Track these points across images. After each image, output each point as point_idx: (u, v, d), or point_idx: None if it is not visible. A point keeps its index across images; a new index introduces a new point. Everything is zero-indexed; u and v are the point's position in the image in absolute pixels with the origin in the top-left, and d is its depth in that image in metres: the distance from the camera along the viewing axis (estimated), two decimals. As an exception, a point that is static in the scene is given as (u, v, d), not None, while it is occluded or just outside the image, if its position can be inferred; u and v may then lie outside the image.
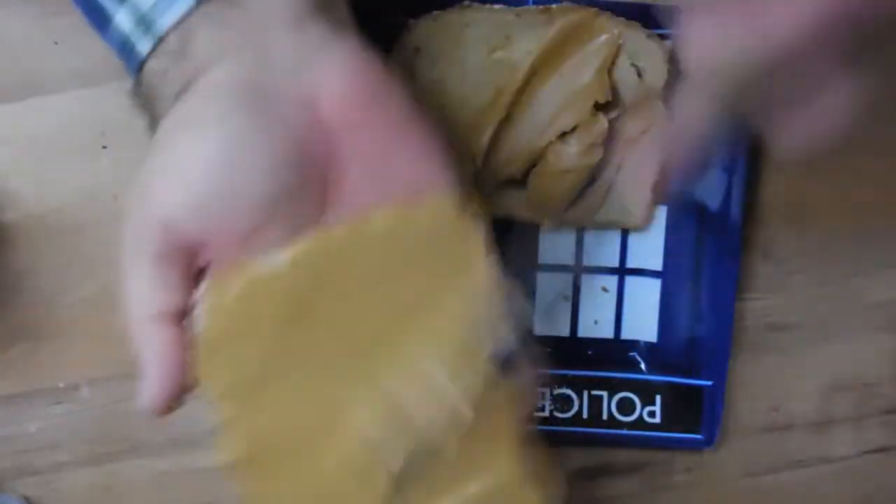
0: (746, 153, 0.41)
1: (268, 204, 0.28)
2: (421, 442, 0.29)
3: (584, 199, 0.41)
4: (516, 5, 0.40)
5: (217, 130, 0.27)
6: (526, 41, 0.40)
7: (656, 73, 0.40)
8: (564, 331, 0.43)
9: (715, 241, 0.42)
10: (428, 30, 0.40)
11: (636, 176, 0.41)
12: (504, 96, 0.40)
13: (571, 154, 0.40)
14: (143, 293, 0.29)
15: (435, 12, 0.40)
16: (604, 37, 0.40)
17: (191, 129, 0.28)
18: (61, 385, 0.45)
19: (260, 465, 0.30)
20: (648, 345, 0.43)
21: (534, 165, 0.41)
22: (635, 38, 0.40)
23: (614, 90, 0.40)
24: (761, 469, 0.44)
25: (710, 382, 0.42)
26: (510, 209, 0.42)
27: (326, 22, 0.28)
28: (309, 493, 0.31)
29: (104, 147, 0.43)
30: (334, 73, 0.28)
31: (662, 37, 0.40)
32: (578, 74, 0.40)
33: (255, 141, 0.27)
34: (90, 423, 0.45)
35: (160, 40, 0.28)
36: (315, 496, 0.31)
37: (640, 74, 0.40)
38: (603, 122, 0.40)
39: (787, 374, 0.44)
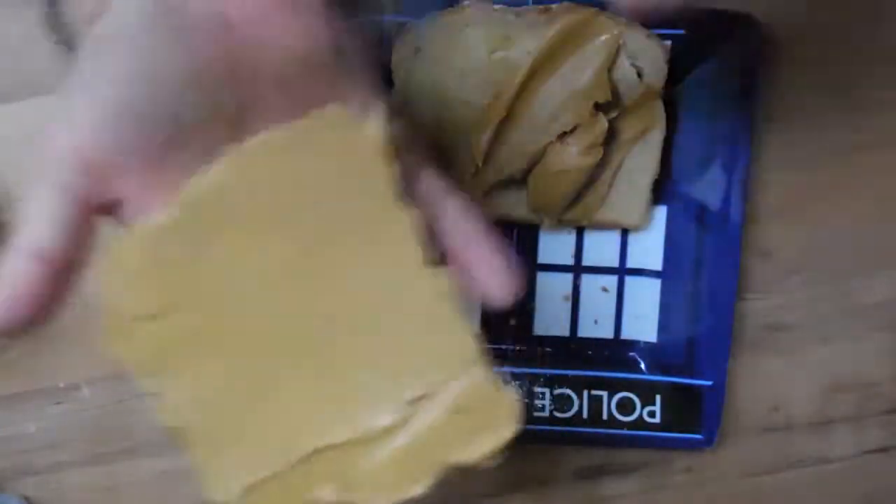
0: (747, 152, 0.41)
1: (181, 123, 0.26)
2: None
3: (583, 199, 0.41)
4: (516, 5, 0.40)
5: (128, 46, 0.26)
6: (526, 41, 0.40)
7: (656, 72, 0.40)
8: (564, 331, 0.43)
9: (715, 241, 0.42)
10: (428, 30, 0.40)
11: (636, 176, 0.41)
12: (504, 96, 0.40)
13: (571, 154, 0.40)
14: (33, 224, 0.26)
15: (435, 12, 0.40)
16: (604, 37, 0.40)
17: (102, 49, 0.27)
18: (61, 385, 0.45)
19: (196, 434, 0.29)
20: (648, 345, 0.43)
21: (534, 165, 0.41)
22: (635, 38, 0.39)
23: (614, 90, 0.40)
24: (761, 469, 0.44)
25: (709, 382, 0.42)
26: (510, 209, 0.42)
27: None
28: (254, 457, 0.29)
29: (104, 147, 0.43)
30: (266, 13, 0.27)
31: (662, 37, 0.40)
32: (578, 74, 0.40)
33: (166, 56, 0.26)
34: (90, 423, 0.45)
35: None
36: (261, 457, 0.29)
37: (639, 74, 0.40)
38: (603, 122, 0.40)
39: (787, 374, 0.44)
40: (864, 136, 0.43)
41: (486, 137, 0.40)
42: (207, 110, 0.27)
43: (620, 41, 0.39)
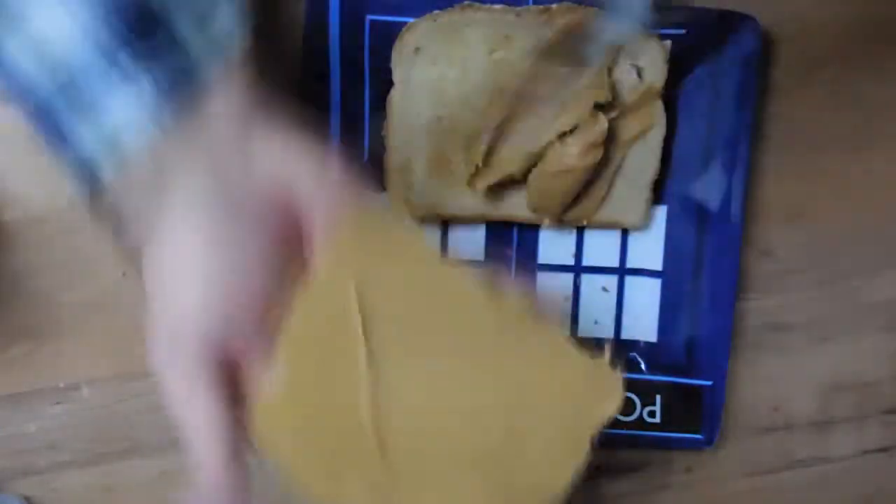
0: (747, 152, 0.41)
1: (269, 285, 0.29)
2: None
3: (583, 199, 0.41)
4: (516, 5, 0.40)
5: (204, 243, 0.28)
6: (526, 41, 0.40)
7: (656, 72, 0.40)
8: (564, 331, 0.43)
9: (715, 241, 0.42)
10: (428, 30, 0.40)
11: (635, 175, 0.41)
12: (504, 96, 0.40)
13: (571, 154, 0.40)
14: (217, 425, 0.29)
15: (435, 12, 0.40)
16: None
17: (180, 249, 0.29)
18: (61, 385, 0.45)
19: None
20: (648, 345, 0.43)
21: (534, 165, 0.41)
22: (635, 38, 0.39)
23: (614, 90, 0.40)
24: (761, 469, 0.44)
25: (710, 382, 0.42)
26: (510, 209, 0.42)
27: (264, 114, 0.30)
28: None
29: (104, 147, 0.43)
30: (286, 160, 0.30)
31: (663, 36, 0.40)
32: (578, 74, 0.39)
33: (239, 241, 0.29)
34: (90, 423, 0.45)
35: (127, 160, 0.28)
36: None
37: (639, 74, 0.40)
38: (603, 122, 0.39)
39: (787, 374, 0.44)
40: (865, 136, 0.43)
41: (485, 137, 0.40)
42: (285, 264, 0.30)
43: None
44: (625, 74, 0.40)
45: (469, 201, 0.41)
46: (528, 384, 0.31)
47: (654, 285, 0.43)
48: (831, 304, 0.44)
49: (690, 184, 0.42)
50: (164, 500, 0.45)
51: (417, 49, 0.40)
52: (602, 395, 0.32)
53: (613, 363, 0.31)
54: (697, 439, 0.43)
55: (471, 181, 0.41)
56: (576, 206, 0.42)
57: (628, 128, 0.41)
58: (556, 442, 0.32)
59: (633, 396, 0.43)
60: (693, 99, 0.42)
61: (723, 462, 0.44)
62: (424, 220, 0.41)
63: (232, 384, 0.30)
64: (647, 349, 0.43)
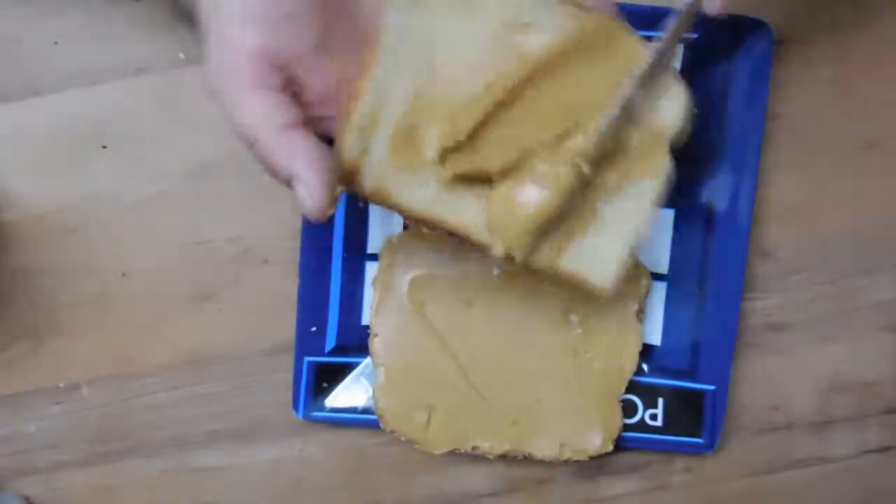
0: (756, 155, 0.41)
1: (316, 12, 0.32)
2: None
3: (550, 237, 0.36)
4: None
5: None
6: (543, 32, 0.34)
7: (673, 120, 0.35)
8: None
9: (721, 244, 0.42)
10: None
11: (615, 229, 0.36)
12: (504, 83, 0.34)
13: (542, 172, 0.35)
14: (264, 114, 0.31)
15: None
16: (629, 63, 0.34)
17: None
18: (61, 385, 0.45)
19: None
20: (652, 347, 0.43)
21: (505, 173, 0.35)
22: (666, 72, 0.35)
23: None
24: (761, 469, 0.44)
25: (712, 387, 0.42)
26: (466, 219, 0.35)
27: None
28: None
29: (104, 147, 0.43)
30: None
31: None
32: (587, 88, 0.35)
33: None
34: (90, 423, 0.45)
35: None
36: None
37: (654, 115, 0.35)
38: (586, 144, 0.34)
39: (787, 374, 0.44)
40: (865, 136, 0.43)
41: (473, 118, 0.34)
42: None
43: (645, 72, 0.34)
44: (638, 109, 0.35)
45: (426, 194, 0.34)
46: None
47: (660, 288, 0.43)
48: (831, 304, 0.44)
49: (699, 186, 0.42)
50: (164, 500, 0.45)
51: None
52: None
53: None
54: (698, 443, 0.43)
55: (443, 156, 0.34)
56: (540, 244, 0.35)
57: (620, 170, 0.35)
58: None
59: (636, 399, 0.43)
60: (703, 102, 0.41)
61: (723, 462, 0.44)
62: (370, 198, 0.34)
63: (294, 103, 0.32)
64: (651, 352, 0.43)
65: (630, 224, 0.35)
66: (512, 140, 0.35)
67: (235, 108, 0.31)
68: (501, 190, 0.35)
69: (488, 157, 0.35)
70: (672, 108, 0.35)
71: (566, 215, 0.35)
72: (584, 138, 0.34)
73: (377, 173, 0.33)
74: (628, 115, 0.34)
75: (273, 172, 0.31)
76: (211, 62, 0.31)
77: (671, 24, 0.34)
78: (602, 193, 0.35)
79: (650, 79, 0.34)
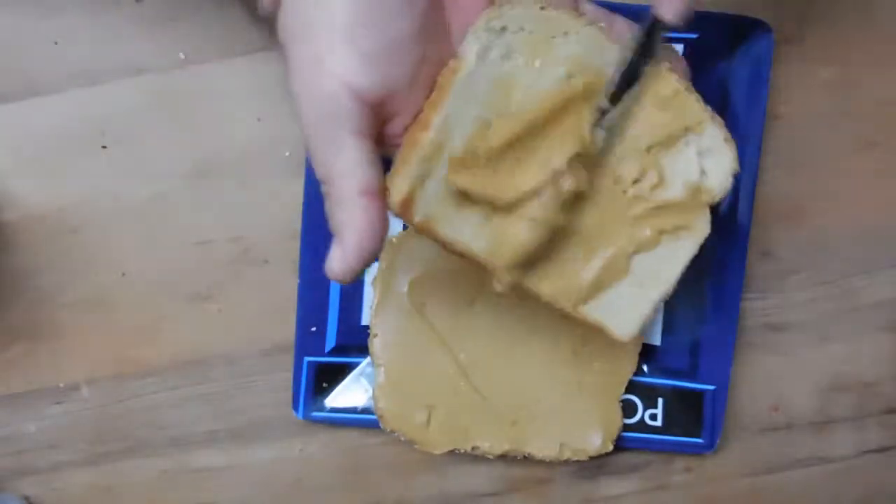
0: (756, 155, 0.41)
1: (414, 42, 0.30)
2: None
3: (554, 267, 0.34)
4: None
5: None
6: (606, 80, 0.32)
7: (719, 182, 0.34)
8: (565, 331, 0.43)
9: (722, 244, 0.42)
10: (525, 15, 0.32)
11: (645, 283, 0.34)
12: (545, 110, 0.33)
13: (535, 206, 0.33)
14: (353, 169, 0.30)
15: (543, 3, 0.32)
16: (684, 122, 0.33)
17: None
18: (61, 385, 0.45)
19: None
20: (652, 347, 0.43)
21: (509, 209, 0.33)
22: (714, 134, 0.33)
23: (663, 174, 0.34)
24: (761, 469, 0.44)
25: (712, 387, 0.42)
26: (463, 241, 0.33)
27: None
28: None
29: (104, 147, 0.43)
30: None
31: (675, 40, 0.40)
32: (631, 123, 0.33)
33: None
34: (90, 423, 0.45)
35: None
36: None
37: (702, 174, 0.34)
38: (575, 179, 0.32)
39: (787, 374, 0.44)
40: (865, 136, 0.43)
41: (511, 130, 0.32)
42: (430, 21, 0.31)
43: (699, 128, 0.33)
44: (684, 165, 0.33)
45: (471, 231, 0.33)
46: None
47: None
48: (831, 304, 0.44)
49: None
50: (164, 500, 0.45)
51: (503, 29, 0.32)
52: None
53: None
54: (698, 443, 0.43)
55: (455, 164, 0.32)
56: (541, 272, 0.34)
57: (658, 222, 0.34)
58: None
59: (635, 399, 0.43)
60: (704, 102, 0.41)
61: (723, 462, 0.44)
62: (418, 229, 0.33)
63: (380, 142, 0.31)
64: (651, 352, 0.43)
65: (661, 284, 0.34)
66: (530, 174, 0.33)
67: (326, 148, 0.30)
68: (496, 220, 0.33)
69: (500, 184, 0.33)
70: (720, 170, 0.34)
71: (602, 264, 0.34)
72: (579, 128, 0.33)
73: (429, 206, 0.32)
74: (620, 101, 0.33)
75: (328, 214, 0.31)
76: (302, 84, 0.30)
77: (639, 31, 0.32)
78: (637, 247, 0.34)
79: (635, 67, 0.32)
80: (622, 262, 0.34)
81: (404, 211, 0.32)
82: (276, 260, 0.44)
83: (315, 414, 0.44)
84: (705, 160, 0.34)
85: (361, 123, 0.30)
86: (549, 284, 0.34)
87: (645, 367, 0.43)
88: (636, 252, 0.34)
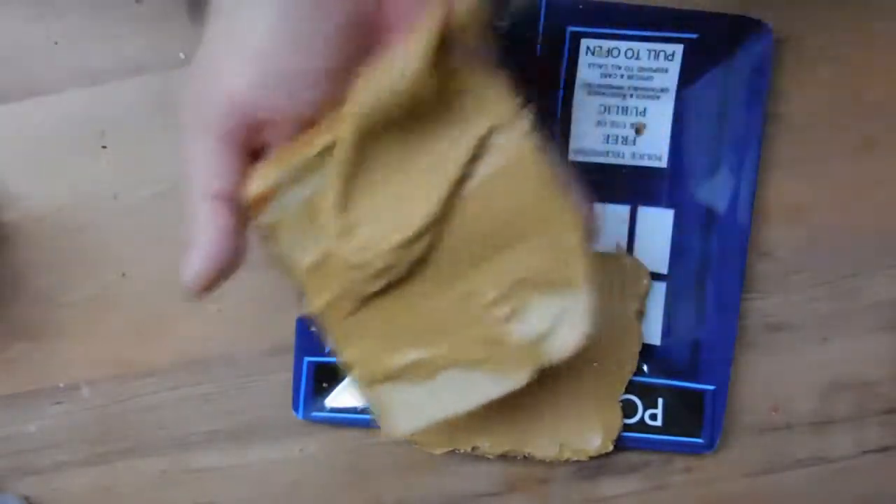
0: (755, 156, 0.41)
1: (331, 79, 0.28)
2: None
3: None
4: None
5: (276, 3, 0.27)
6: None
7: (559, 348, 0.32)
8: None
9: (721, 244, 0.42)
10: None
11: (438, 401, 0.33)
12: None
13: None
14: (203, 171, 0.29)
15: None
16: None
17: (243, 3, 0.28)
18: (61, 385, 0.45)
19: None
20: (652, 347, 0.43)
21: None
22: (583, 304, 0.31)
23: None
24: (761, 469, 0.44)
25: (712, 387, 0.42)
26: (296, 258, 0.32)
27: None
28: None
29: (104, 147, 0.43)
30: None
31: (674, 40, 0.40)
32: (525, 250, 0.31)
33: (315, 12, 0.27)
34: (90, 423, 0.45)
35: None
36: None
37: (550, 332, 0.31)
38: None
39: (787, 374, 0.44)
40: (865, 136, 0.43)
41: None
42: (350, 61, 0.28)
43: (574, 290, 0.31)
44: (542, 315, 0.31)
45: (309, 259, 0.32)
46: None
47: (660, 288, 0.43)
48: (831, 304, 0.44)
49: (698, 187, 0.42)
50: (164, 500, 0.45)
51: None
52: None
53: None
54: (698, 443, 0.43)
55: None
56: (355, 333, 0.32)
57: (484, 352, 0.32)
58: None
59: (635, 399, 0.43)
60: (703, 102, 0.41)
61: (723, 462, 0.44)
62: (258, 230, 0.31)
63: (253, 154, 0.29)
64: (650, 352, 0.43)
65: (449, 408, 0.33)
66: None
67: (189, 146, 0.29)
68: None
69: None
70: (567, 338, 0.31)
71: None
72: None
73: (282, 212, 0.30)
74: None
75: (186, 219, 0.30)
76: (191, 86, 0.29)
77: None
78: (452, 362, 0.32)
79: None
80: (433, 368, 0.32)
81: (256, 204, 0.29)
82: (276, 260, 0.44)
83: (315, 414, 0.44)
84: (561, 322, 0.31)
85: (228, 130, 0.28)
86: (356, 349, 0.32)
87: (645, 367, 0.43)
88: (450, 366, 0.32)
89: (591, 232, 0.31)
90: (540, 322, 0.31)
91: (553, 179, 0.30)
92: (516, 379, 0.32)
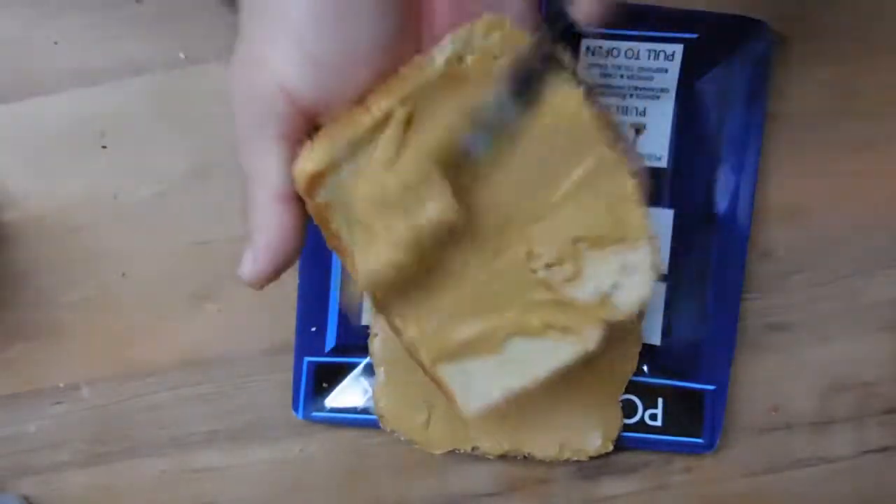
0: (756, 155, 0.41)
1: (379, 53, 0.27)
2: None
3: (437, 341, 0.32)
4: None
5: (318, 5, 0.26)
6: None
7: (628, 302, 0.31)
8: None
9: (722, 244, 0.42)
10: None
11: (510, 372, 0.32)
12: None
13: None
14: (266, 172, 0.29)
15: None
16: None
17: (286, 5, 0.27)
18: (61, 385, 0.45)
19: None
20: (652, 347, 0.43)
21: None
22: (645, 256, 0.30)
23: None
24: (761, 469, 0.44)
25: (712, 387, 0.42)
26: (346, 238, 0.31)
27: None
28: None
29: (104, 147, 0.43)
30: None
31: (675, 40, 0.40)
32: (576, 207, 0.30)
33: (359, 8, 0.27)
34: (90, 423, 0.45)
35: None
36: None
37: (615, 288, 0.30)
38: (443, 206, 0.29)
39: (787, 374, 0.44)
40: (865, 136, 0.43)
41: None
42: (399, 34, 0.28)
43: (634, 244, 0.30)
44: (604, 271, 0.30)
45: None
46: None
47: (660, 288, 0.43)
48: (831, 304, 0.44)
49: (698, 187, 0.42)
50: (164, 500, 0.45)
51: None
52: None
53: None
54: (698, 443, 0.43)
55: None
56: (412, 310, 0.31)
57: (551, 316, 0.31)
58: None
59: (635, 399, 0.43)
60: (703, 102, 0.41)
61: (723, 462, 0.44)
62: (313, 211, 0.30)
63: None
64: (650, 352, 0.43)
65: (524, 377, 0.32)
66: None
67: (249, 148, 0.29)
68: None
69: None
70: (633, 293, 0.30)
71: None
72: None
73: (337, 191, 0.29)
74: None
75: (246, 213, 0.30)
76: (240, 77, 0.28)
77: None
78: (519, 330, 0.31)
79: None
80: (499, 338, 0.31)
81: (310, 186, 0.29)
82: (276, 260, 0.44)
83: (315, 414, 0.44)
84: (625, 278, 0.30)
85: (289, 128, 0.28)
86: (416, 327, 0.31)
87: (645, 367, 0.43)
88: (515, 334, 0.31)
89: (643, 183, 0.30)
90: (603, 279, 0.30)
91: (603, 128, 0.29)
92: (588, 341, 0.31)
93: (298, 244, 0.30)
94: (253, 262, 0.30)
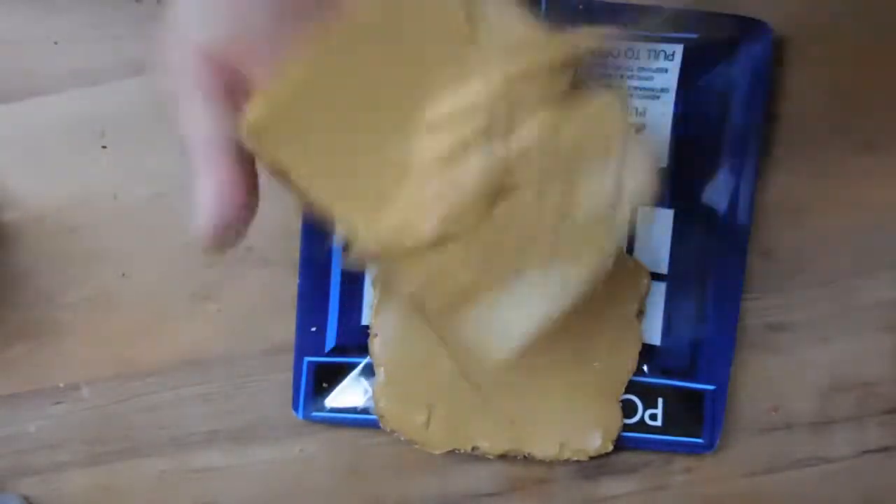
0: (755, 156, 0.41)
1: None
2: None
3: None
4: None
5: None
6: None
7: (637, 190, 0.30)
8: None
9: (721, 244, 0.42)
10: None
11: (524, 306, 0.31)
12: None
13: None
14: (199, 129, 0.28)
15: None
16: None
17: None
18: (61, 385, 0.45)
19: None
20: (652, 347, 0.43)
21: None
22: (633, 151, 0.30)
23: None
24: (761, 469, 0.44)
25: (712, 387, 0.42)
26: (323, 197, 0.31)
27: None
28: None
29: (104, 147, 0.43)
30: None
31: (675, 40, 0.40)
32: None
33: None
34: (90, 423, 0.45)
35: None
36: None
37: (619, 190, 0.30)
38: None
39: (787, 374, 0.44)
40: (865, 136, 0.43)
41: None
42: None
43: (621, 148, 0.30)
44: (600, 186, 0.30)
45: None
46: None
47: (660, 288, 0.43)
48: (831, 304, 0.44)
49: (698, 187, 0.42)
50: (164, 500, 0.45)
51: None
52: None
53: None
54: (698, 443, 0.43)
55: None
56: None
57: (562, 243, 0.30)
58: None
59: (635, 399, 0.43)
60: (703, 102, 0.41)
61: (723, 462, 0.44)
62: (270, 165, 0.30)
63: (235, 98, 0.28)
64: (650, 352, 0.43)
65: (540, 310, 0.30)
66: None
67: (180, 112, 0.28)
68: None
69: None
70: (636, 176, 0.30)
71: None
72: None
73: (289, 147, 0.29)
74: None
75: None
76: (160, 45, 0.28)
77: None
78: (531, 264, 0.30)
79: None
80: (507, 276, 0.30)
81: (257, 137, 0.28)
82: (276, 260, 0.44)
83: (315, 414, 0.44)
84: (624, 178, 0.30)
85: (208, 82, 0.27)
86: (419, 276, 0.30)
87: (645, 367, 0.43)
88: (524, 269, 0.30)
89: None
90: (601, 192, 0.29)
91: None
92: (602, 254, 0.30)
93: (241, 199, 0.28)
94: (195, 221, 0.28)
